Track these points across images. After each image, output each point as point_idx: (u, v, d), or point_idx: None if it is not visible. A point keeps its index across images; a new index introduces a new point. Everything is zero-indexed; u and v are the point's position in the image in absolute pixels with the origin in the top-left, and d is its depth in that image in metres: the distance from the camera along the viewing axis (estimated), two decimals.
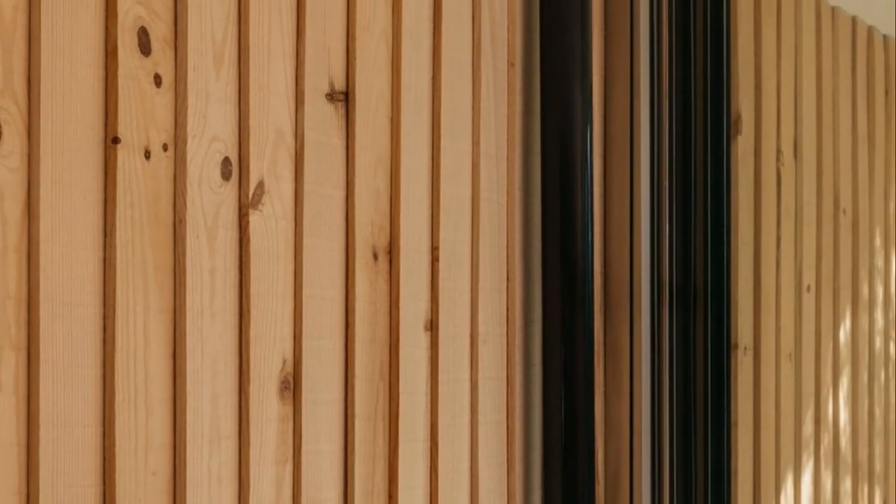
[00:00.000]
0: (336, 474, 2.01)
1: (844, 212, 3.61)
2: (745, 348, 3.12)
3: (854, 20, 3.67)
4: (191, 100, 1.77)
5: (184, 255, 1.75)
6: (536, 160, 2.45)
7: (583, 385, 2.43)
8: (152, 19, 1.72)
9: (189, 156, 1.76)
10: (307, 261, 1.96)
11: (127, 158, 1.67)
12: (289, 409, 1.93)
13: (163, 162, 1.73)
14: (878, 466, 3.78)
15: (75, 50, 1.62)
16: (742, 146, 3.12)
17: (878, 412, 3.78)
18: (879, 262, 3.80)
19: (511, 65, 2.41)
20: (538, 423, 2.45)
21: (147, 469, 1.70)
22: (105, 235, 1.66)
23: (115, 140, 1.66)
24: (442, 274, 2.22)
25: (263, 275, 1.88)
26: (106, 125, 1.66)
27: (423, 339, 2.19)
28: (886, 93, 3.86)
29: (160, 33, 1.73)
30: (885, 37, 3.85)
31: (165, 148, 1.74)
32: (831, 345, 3.54)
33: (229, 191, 1.83)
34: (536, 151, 2.45)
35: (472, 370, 2.30)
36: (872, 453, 3.75)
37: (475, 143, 2.31)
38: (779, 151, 3.29)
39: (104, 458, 1.65)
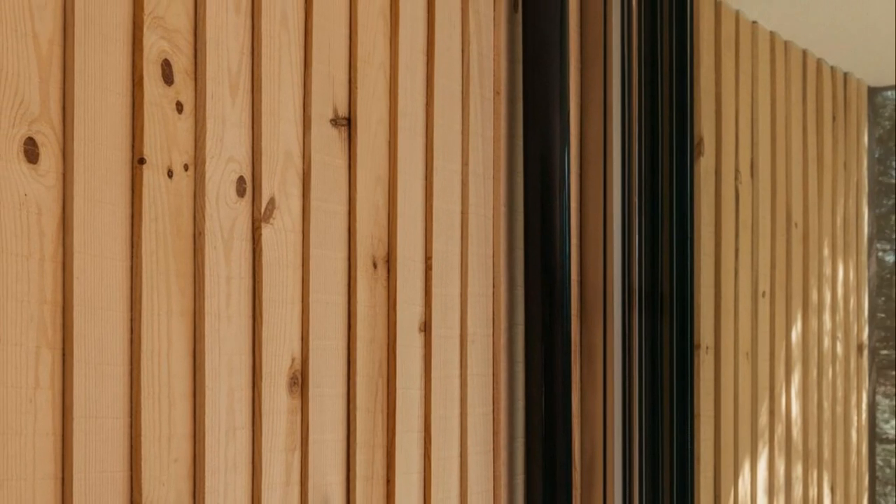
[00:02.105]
0: (340, 461, 2.01)
1: (796, 225, 3.62)
2: (707, 348, 3.13)
3: (805, 53, 3.68)
4: (209, 125, 1.77)
5: (203, 264, 1.76)
6: (519, 179, 2.45)
7: (561, 381, 2.44)
8: (174, 52, 1.72)
9: (207, 175, 1.77)
10: (313, 269, 1.96)
11: (152, 177, 1.68)
12: (297, 403, 1.93)
13: (184, 180, 1.74)
14: (826, 454, 3.79)
15: (105, 80, 1.62)
16: (704, 166, 3.13)
17: (826, 405, 3.79)
18: (827, 270, 3.81)
19: (497, 93, 2.41)
20: (521, 414, 2.45)
21: (170, 456, 1.70)
22: (132, 246, 1.66)
23: (141, 161, 1.66)
24: (435, 281, 2.22)
25: (274, 282, 1.88)
26: (133, 147, 1.66)
27: (418, 339, 2.19)
28: (834, 118, 3.87)
29: (182, 65, 1.73)
30: (832, 68, 3.86)
31: (186, 168, 1.74)
32: (784, 345, 3.54)
33: (244, 206, 1.84)
34: (519, 171, 2.45)
35: (462, 367, 2.30)
36: (821, 442, 3.75)
37: (464, 163, 2.31)
38: (737, 171, 3.30)
39: (131, 447, 1.65)
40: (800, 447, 3.61)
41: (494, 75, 2.40)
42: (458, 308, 2.29)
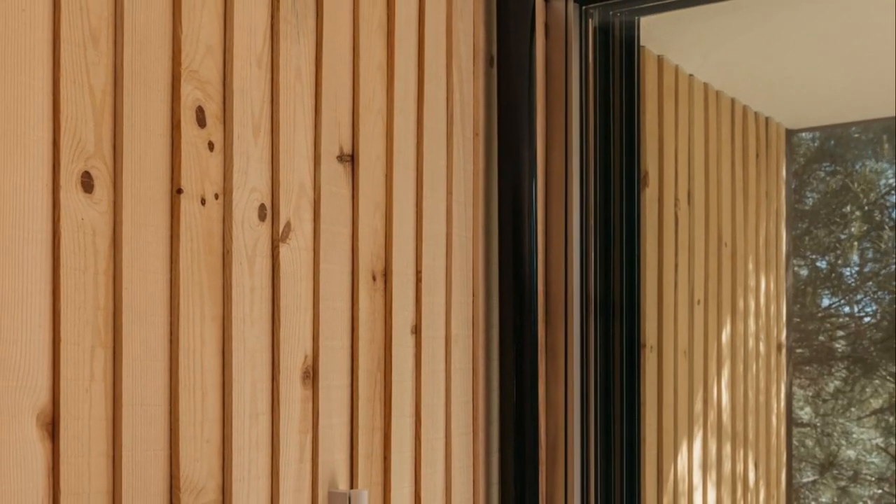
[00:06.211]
0: (344, 442, 2.02)
1: (726, 244, 3.63)
2: (651, 347, 3.13)
3: (733, 101, 3.69)
4: (235, 160, 1.78)
5: (230, 277, 1.76)
6: (495, 206, 2.46)
7: (529, 374, 2.44)
8: (206, 100, 1.73)
9: (234, 202, 1.77)
10: (322, 281, 1.96)
11: (188, 205, 1.68)
12: (309, 393, 1.93)
13: (214, 207, 1.74)
14: (751, 435, 3.80)
15: (149, 123, 1.63)
16: (649, 195, 3.14)
17: (751, 395, 3.79)
18: (752, 282, 3.82)
19: (476, 134, 2.42)
20: (496, 403, 2.45)
21: (203, 438, 1.70)
22: (171, 263, 1.66)
23: (179, 191, 1.67)
24: (424, 291, 2.23)
25: (290, 292, 1.89)
26: (172, 179, 1.67)
27: (410, 340, 2.20)
28: (757, 155, 3.88)
29: (213, 111, 1.74)
30: (756, 113, 3.88)
31: (216, 197, 1.75)
32: (716, 344, 3.55)
33: (264, 229, 1.84)
34: (494, 199, 2.46)
35: (447, 364, 2.30)
36: (747, 426, 3.76)
37: (449, 192, 2.32)
38: (676, 199, 3.31)
39: (170, 430, 1.65)
40: (729, 430, 3.62)
41: (474, 119, 2.41)
42: (443, 314, 2.29)
